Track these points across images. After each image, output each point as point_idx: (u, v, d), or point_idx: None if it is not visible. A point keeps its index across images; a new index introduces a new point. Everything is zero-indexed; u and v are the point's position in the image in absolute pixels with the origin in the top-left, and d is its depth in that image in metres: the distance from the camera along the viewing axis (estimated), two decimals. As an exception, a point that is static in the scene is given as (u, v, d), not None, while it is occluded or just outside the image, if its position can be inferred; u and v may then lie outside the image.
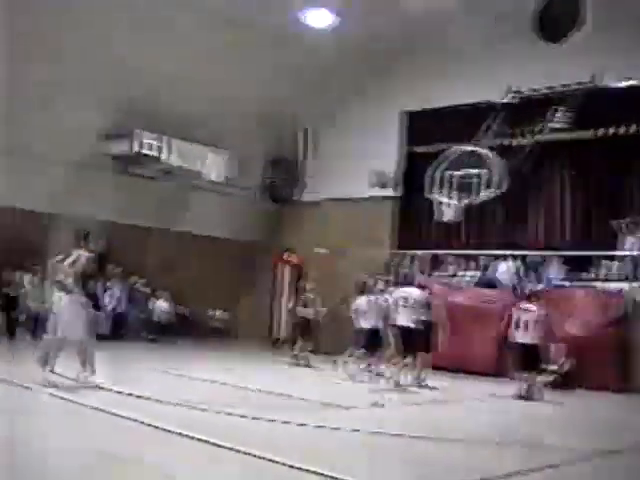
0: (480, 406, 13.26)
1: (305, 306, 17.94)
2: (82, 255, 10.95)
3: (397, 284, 16.99)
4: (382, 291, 16.09)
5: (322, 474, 6.61)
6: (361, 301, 15.62)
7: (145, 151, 19.79)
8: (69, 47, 17.93)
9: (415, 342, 14.01)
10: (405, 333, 14.09)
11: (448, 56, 20.40)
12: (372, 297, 15.60)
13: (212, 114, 20.46)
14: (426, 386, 14.21)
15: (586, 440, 9.74)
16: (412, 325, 14.00)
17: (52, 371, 10.89)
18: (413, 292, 14.48)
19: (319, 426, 9.22)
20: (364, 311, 15.39)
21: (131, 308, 20.92)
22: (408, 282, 15.92)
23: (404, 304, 14.20)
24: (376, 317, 15.22)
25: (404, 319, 14.11)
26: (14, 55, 17.13)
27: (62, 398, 9.81)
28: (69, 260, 10.96)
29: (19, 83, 17.60)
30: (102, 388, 10.67)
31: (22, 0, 16.67)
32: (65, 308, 10.81)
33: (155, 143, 19.89)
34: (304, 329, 17.90)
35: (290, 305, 19.81)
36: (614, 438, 10.12)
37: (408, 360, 14.01)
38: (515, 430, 10.50)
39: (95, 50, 18.28)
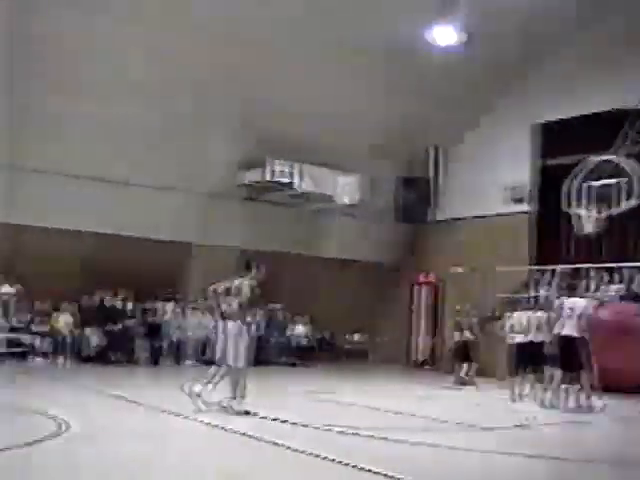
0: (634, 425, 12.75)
1: (461, 330, 17.73)
2: (245, 283, 11.00)
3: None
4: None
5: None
6: (518, 316, 15.23)
7: (278, 178, 20.08)
8: (209, 81, 18.41)
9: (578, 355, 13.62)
10: (568, 344, 13.70)
11: (579, 64, 19.95)
12: (531, 311, 15.21)
13: (343, 137, 20.60)
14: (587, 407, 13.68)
15: None
16: (576, 334, 13.64)
17: (204, 398, 11.00)
18: (578, 302, 14.06)
19: (452, 447, 9.01)
20: (522, 326, 15.00)
21: (270, 333, 21.15)
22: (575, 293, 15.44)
23: (569, 314, 13.81)
24: (536, 331, 14.80)
25: (568, 329, 13.75)
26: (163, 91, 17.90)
27: (210, 424, 9.99)
28: (234, 287, 11.06)
29: (157, 118, 18.30)
30: (249, 413, 10.76)
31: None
32: (229, 336, 10.89)
33: (287, 170, 20.14)
34: (464, 352, 17.72)
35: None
36: None
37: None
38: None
39: (229, 82, 18.75)
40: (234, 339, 10.80)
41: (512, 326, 15.08)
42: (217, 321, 11.24)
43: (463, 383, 17.35)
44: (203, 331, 20.04)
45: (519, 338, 14.83)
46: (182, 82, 18.21)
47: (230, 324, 10.90)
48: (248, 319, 11.03)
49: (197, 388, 10.97)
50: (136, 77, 17.70)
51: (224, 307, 11.06)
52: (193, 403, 10.84)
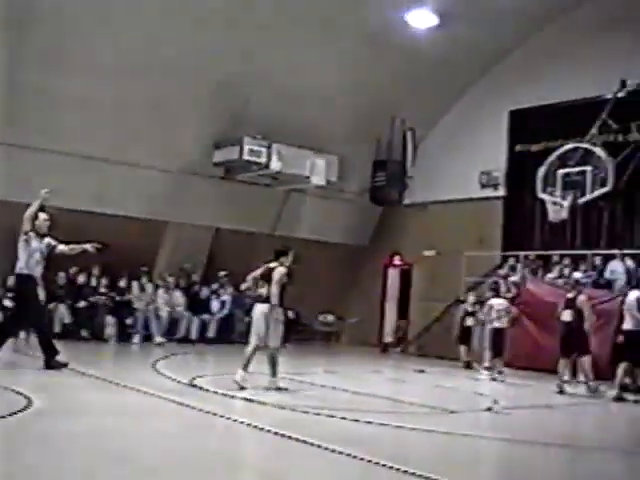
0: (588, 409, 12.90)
1: (469, 315, 18.10)
2: (279, 270, 11.58)
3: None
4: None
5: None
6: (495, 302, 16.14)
7: (253, 158, 19.99)
8: (182, 59, 18.29)
9: None
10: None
11: (555, 51, 20.04)
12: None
13: (317, 119, 20.59)
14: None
15: None
16: None
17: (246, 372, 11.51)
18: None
19: (426, 430, 9.15)
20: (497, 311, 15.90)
21: (239, 312, 21.08)
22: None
23: None
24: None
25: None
26: (127, 69, 17.73)
27: (177, 402, 10.00)
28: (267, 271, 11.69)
29: (132, 95, 18.15)
30: (281, 389, 11.42)
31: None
32: (264, 318, 11.46)
33: (263, 150, 20.05)
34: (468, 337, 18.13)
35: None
36: None
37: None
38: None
39: (206, 61, 18.60)
40: (266, 320, 11.45)
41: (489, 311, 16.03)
42: (255, 304, 11.88)
43: (468, 366, 17.61)
44: (172, 309, 20.04)
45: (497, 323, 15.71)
46: (155, 62, 18.01)
47: (263, 306, 11.51)
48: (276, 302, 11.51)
49: (239, 377, 11.37)
50: (109, 59, 17.51)
51: (261, 291, 11.73)
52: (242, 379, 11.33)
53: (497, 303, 16.04)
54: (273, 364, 11.59)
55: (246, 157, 19.84)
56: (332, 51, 19.52)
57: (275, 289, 11.41)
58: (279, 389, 11.49)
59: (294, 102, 19.97)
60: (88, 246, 12.92)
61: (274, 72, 19.34)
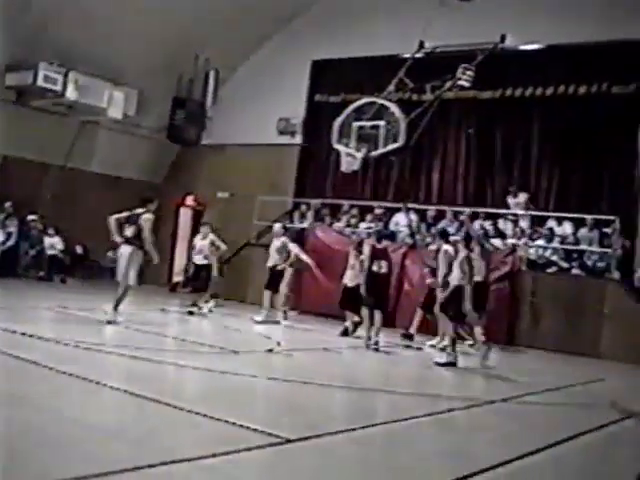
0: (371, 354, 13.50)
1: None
2: (147, 217, 12.80)
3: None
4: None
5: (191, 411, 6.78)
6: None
7: (48, 84, 19.20)
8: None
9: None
10: None
11: (360, 6, 20.46)
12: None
13: (119, 50, 20.00)
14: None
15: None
16: None
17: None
18: None
19: (208, 369, 9.32)
20: None
21: (24, 245, 20.37)
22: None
23: None
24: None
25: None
26: None
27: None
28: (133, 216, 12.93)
29: None
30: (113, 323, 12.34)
31: None
32: (125, 257, 12.76)
33: (58, 77, 19.30)
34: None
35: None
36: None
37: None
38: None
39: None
40: (128, 260, 12.66)
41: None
42: (120, 244, 12.94)
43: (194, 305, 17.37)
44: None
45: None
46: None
47: (128, 248, 12.71)
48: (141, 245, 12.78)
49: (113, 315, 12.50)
50: None
51: (127, 233, 12.81)
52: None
53: (200, 244, 16.76)
54: (120, 299, 12.61)
55: (41, 83, 19.05)
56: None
57: (147, 233, 12.65)
58: (115, 322, 12.41)
59: (96, 30, 19.26)
60: None
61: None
